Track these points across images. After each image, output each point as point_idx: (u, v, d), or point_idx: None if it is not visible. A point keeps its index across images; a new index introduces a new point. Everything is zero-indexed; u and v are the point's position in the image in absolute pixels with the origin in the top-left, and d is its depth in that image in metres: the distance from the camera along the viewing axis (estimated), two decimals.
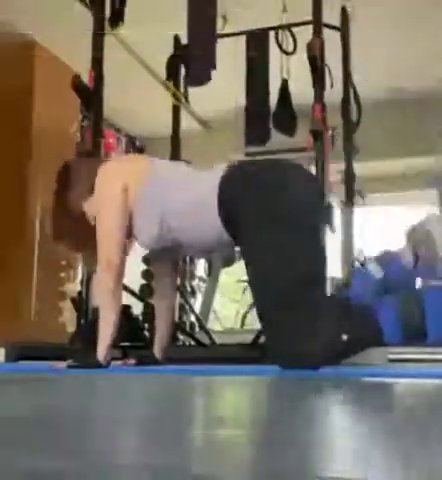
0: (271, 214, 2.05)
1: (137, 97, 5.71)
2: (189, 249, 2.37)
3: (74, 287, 4.46)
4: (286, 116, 4.42)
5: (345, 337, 1.95)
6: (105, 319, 2.22)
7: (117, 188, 2.22)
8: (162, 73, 4.43)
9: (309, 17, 3.60)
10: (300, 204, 2.09)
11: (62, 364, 2.22)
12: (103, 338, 2.20)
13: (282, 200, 2.07)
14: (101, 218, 2.24)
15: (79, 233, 2.38)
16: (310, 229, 2.10)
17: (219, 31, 4.10)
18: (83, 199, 2.33)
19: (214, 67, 3.95)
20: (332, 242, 3.69)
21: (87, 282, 3.19)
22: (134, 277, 4.49)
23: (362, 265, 2.10)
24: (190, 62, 4.10)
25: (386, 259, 2.02)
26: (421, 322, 1.86)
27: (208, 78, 3.97)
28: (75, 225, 2.37)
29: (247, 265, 2.14)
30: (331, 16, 3.97)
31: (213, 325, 5.96)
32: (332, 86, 3.89)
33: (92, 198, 2.30)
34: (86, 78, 3.29)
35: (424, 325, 1.86)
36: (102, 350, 2.20)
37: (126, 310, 3.76)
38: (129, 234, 2.28)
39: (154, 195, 2.21)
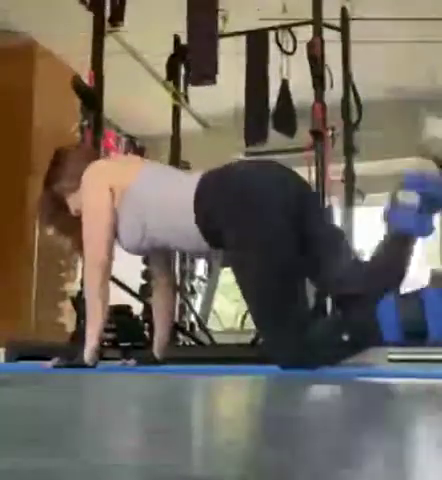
0: (248, 219, 2.03)
1: (137, 97, 5.71)
2: (175, 251, 2.39)
3: (74, 287, 4.45)
4: (286, 116, 4.42)
5: (346, 337, 1.96)
6: (91, 319, 2.19)
7: (103, 187, 2.21)
8: (162, 73, 4.43)
9: (309, 17, 3.60)
10: (275, 207, 2.04)
11: (49, 364, 2.21)
12: (90, 338, 2.18)
13: (257, 204, 2.04)
14: (87, 216, 2.22)
15: (65, 218, 2.36)
16: (290, 229, 2.04)
17: (219, 31, 4.10)
18: (67, 191, 2.33)
19: (216, 72, 3.94)
20: None
21: None
22: (134, 277, 4.48)
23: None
24: (191, 60, 4.08)
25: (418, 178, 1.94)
26: (422, 321, 1.84)
27: (212, 79, 3.96)
28: (61, 210, 2.36)
29: (233, 272, 2.13)
30: (331, 16, 3.97)
31: (213, 325, 5.95)
32: (332, 86, 3.89)
33: (77, 193, 2.30)
34: (86, 78, 3.29)
35: (425, 324, 1.84)
36: (89, 350, 2.17)
37: (126, 310, 3.75)
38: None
39: (137, 200, 2.20)
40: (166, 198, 2.18)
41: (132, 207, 2.20)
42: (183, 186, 2.19)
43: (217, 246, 2.17)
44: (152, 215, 2.18)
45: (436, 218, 1.98)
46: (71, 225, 2.35)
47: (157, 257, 2.46)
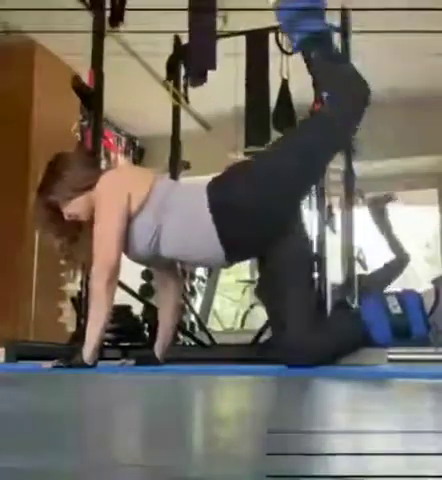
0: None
1: (137, 97, 5.70)
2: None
3: (74, 287, 4.45)
4: (286, 116, 4.42)
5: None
6: (93, 319, 2.22)
7: (122, 194, 2.25)
8: (162, 73, 4.43)
9: None
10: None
11: (48, 364, 2.21)
12: (90, 338, 2.20)
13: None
14: (102, 219, 2.24)
15: (62, 222, 2.36)
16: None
17: (219, 31, 4.10)
18: (62, 200, 2.32)
19: (214, 68, 3.94)
20: (332, 242, 3.69)
21: (87, 282, 3.18)
22: (134, 277, 4.48)
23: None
24: (189, 62, 4.10)
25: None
26: (406, 321, 2.13)
27: (204, 79, 3.98)
28: (56, 214, 2.34)
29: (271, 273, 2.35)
30: (331, 16, 3.96)
31: (213, 325, 5.96)
32: None
33: (72, 202, 2.31)
34: (86, 78, 3.29)
35: (408, 324, 2.13)
36: (88, 350, 2.18)
37: (126, 310, 3.76)
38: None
39: (159, 200, 2.26)
40: (179, 219, 2.26)
41: (153, 206, 2.26)
42: (195, 192, 2.31)
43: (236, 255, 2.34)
44: (170, 216, 2.26)
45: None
46: (68, 228, 2.35)
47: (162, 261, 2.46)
